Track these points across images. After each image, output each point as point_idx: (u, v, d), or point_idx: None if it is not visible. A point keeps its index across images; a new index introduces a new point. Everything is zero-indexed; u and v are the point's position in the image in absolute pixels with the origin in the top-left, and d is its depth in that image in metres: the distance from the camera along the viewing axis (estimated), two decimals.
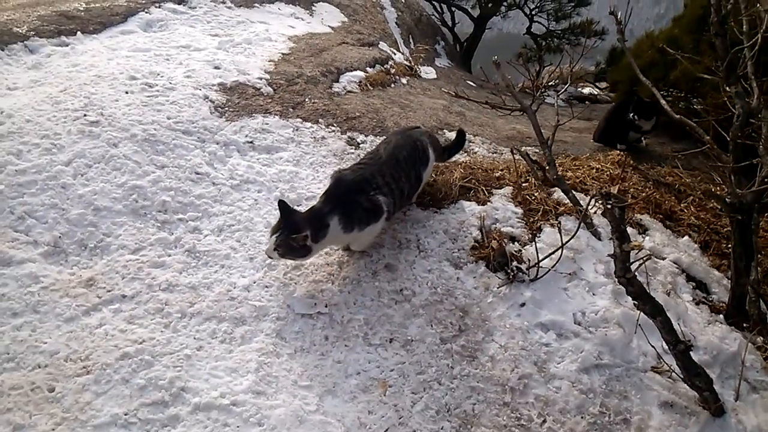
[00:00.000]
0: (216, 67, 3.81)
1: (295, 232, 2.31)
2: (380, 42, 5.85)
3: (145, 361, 2.11)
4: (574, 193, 3.13)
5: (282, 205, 2.39)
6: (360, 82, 4.50)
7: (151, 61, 3.70)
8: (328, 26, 5.61)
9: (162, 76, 3.50)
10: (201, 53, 4.00)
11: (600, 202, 2.79)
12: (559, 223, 2.94)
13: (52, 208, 2.55)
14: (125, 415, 1.96)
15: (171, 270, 2.47)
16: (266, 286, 2.50)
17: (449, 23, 10.05)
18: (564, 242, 2.63)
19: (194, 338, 2.24)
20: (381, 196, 2.56)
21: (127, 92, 3.26)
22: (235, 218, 2.82)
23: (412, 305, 2.53)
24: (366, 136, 3.63)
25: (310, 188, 3.07)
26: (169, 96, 3.32)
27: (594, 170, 3.66)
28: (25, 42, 3.79)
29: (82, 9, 4.31)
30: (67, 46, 3.87)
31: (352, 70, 4.60)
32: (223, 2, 5.05)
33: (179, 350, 2.18)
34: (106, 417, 1.94)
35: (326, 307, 2.45)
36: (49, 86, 3.28)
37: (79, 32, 4.03)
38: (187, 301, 2.37)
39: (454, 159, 3.62)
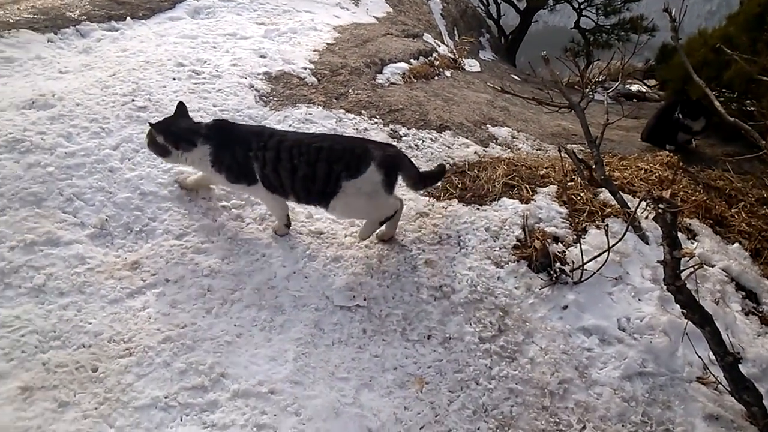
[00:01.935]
0: (262, 56, 3.83)
1: (160, 131, 2.45)
2: (425, 33, 5.80)
3: (187, 346, 2.14)
4: (621, 194, 3.05)
5: (179, 106, 2.55)
6: (403, 74, 4.46)
7: (198, 48, 3.73)
8: (373, 17, 5.58)
9: (209, 64, 3.52)
10: (247, 41, 4.02)
11: (650, 205, 2.71)
12: (606, 225, 2.86)
13: (99, 191, 2.60)
14: (165, 398, 1.98)
15: (214, 256, 2.49)
16: (305, 277, 2.50)
17: (495, 15, 9.91)
18: (611, 245, 2.56)
19: (234, 325, 2.25)
20: (256, 163, 2.46)
21: (174, 79, 3.29)
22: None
23: (452, 302, 2.50)
24: (408, 129, 3.59)
25: None
26: (216, 84, 3.34)
27: (642, 171, 3.56)
28: (76, 26, 3.86)
29: None
30: (116, 31, 3.94)
31: (396, 62, 4.57)
32: None
33: (220, 336, 2.20)
34: (147, 399, 1.97)
35: (365, 300, 2.44)
36: (99, 71, 3.34)
37: (128, 17, 4.09)
38: (229, 288, 2.38)
39: (496, 155, 3.57)
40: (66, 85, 3.13)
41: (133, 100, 3.03)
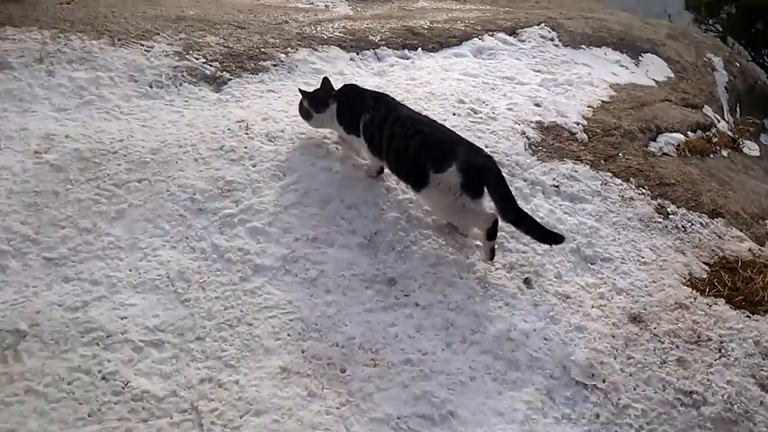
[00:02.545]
0: (536, 104, 3.86)
1: (306, 97, 3.01)
2: (705, 105, 5.36)
3: (425, 374, 2.22)
4: None
5: (324, 81, 3.04)
6: (678, 145, 4.17)
7: (478, 87, 3.89)
8: (653, 79, 5.31)
9: (486, 105, 3.65)
10: (524, 87, 4.09)
11: None
12: None
13: (373, 206, 2.83)
14: (398, 418, 2.08)
15: (461, 293, 2.56)
16: (545, 339, 2.45)
17: None
18: None
19: (470, 367, 2.29)
20: (363, 124, 2.81)
21: (454, 114, 3.47)
22: (527, 259, 2.81)
23: (700, 414, 2.26)
24: (678, 207, 3.35)
25: (608, 249, 2.94)
26: (491, 125, 3.45)
27: None
28: (375, 50, 4.28)
29: (426, 27, 4.72)
30: (408, 59, 4.28)
31: (671, 131, 4.29)
32: (552, 40, 5.09)
33: (455, 373, 2.25)
34: (381, 414, 2.09)
35: (604, 382, 2.32)
36: (391, 94, 3.65)
37: (420, 48, 4.42)
38: (470, 327, 2.43)
39: None
40: None
41: None
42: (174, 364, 2.12)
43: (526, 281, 2.73)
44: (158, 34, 3.79)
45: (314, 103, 3.00)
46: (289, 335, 2.28)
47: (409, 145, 2.65)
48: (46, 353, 2.09)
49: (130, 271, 2.40)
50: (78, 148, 2.90)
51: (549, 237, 2.61)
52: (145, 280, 2.37)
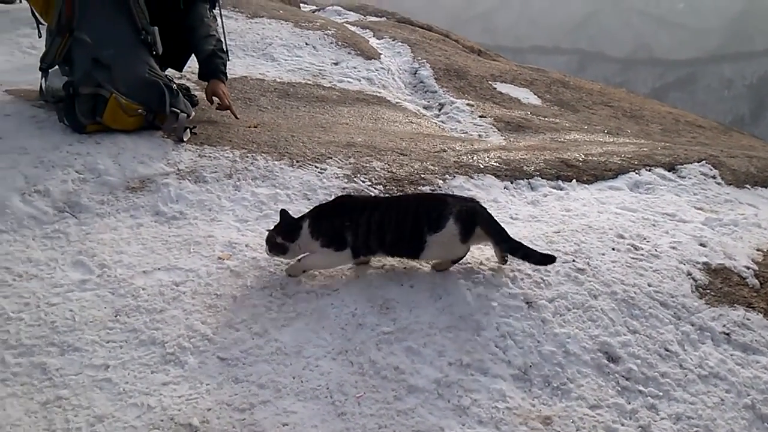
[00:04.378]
0: (701, 245, 3.69)
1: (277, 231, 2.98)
2: None
3: None
4: None
5: (282, 213, 3.05)
6: None
7: (637, 223, 3.81)
8: None
9: (648, 241, 3.55)
10: (686, 225, 3.93)
11: None
12: None
13: (529, 336, 2.79)
14: None
15: None
16: None
17: None
18: None
19: None
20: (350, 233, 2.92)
21: (613, 249, 3.41)
22: (696, 412, 2.59)
23: None
24: None
25: None
26: (653, 263, 3.34)
27: None
28: (528, 180, 4.38)
29: (581, 159, 4.78)
30: (562, 190, 4.32)
31: None
32: (713, 177, 4.92)
33: None
34: None
35: None
36: (545, 224, 3.69)
37: (574, 180, 4.46)
38: None
39: None
40: (516, 231, 3.51)
41: (573, 260, 3.24)
42: None
43: None
44: (331, 158, 4.18)
45: (287, 234, 2.96)
46: None
47: (403, 223, 2.91)
48: None
49: (293, 378, 2.53)
50: (255, 257, 3.19)
51: (545, 259, 2.99)
52: (307, 389, 2.48)
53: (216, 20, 4.79)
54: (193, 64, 4.90)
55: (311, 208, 3.21)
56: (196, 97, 4.98)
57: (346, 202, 3.14)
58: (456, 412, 2.44)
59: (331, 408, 2.41)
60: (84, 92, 3.85)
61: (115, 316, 2.76)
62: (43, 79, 4.18)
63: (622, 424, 2.48)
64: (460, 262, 3.13)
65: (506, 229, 3.00)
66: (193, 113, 4.53)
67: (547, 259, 3.00)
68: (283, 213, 3.07)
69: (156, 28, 4.19)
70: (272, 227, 3.07)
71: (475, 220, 2.95)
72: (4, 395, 2.34)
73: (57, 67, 4.14)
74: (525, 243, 3.03)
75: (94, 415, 2.30)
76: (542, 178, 4.41)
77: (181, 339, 2.66)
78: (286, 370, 2.55)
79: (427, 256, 3.00)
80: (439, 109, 6.83)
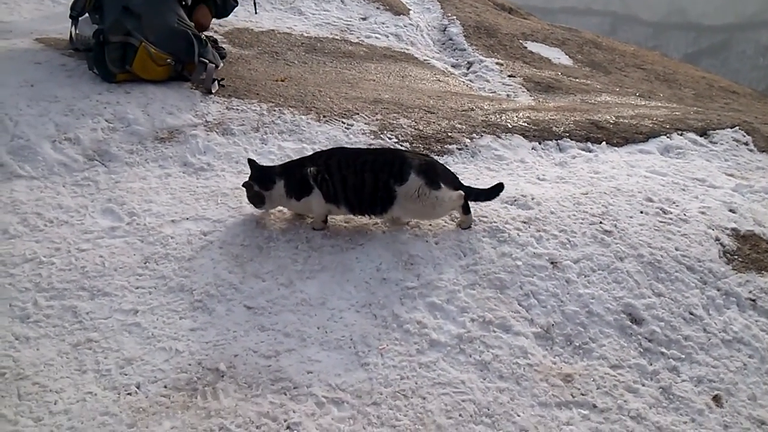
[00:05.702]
0: (731, 210, 3.62)
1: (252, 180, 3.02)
2: None
3: None
4: None
5: (251, 161, 3.11)
6: None
7: (667, 187, 3.75)
8: None
9: (677, 205, 3.50)
10: (716, 191, 3.86)
11: None
12: None
13: (553, 296, 2.80)
14: None
15: (642, 401, 2.42)
16: None
17: None
18: None
19: None
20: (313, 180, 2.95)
21: (641, 212, 3.37)
22: (718, 375, 2.60)
23: None
24: None
25: None
26: (681, 227, 3.29)
27: None
28: (557, 141, 4.32)
29: (611, 122, 4.68)
30: (591, 152, 4.26)
31: None
32: (746, 144, 4.80)
33: None
34: None
35: None
36: (572, 186, 3.65)
37: (604, 142, 4.38)
38: None
39: None
40: (543, 192, 3.50)
41: (600, 222, 3.21)
42: (352, 424, 2.20)
43: (716, 399, 2.51)
44: (358, 114, 4.15)
45: (263, 183, 3.00)
46: (461, 416, 2.28)
47: (365, 176, 2.90)
48: (239, 395, 2.27)
49: (318, 328, 2.57)
50: (281, 209, 3.21)
51: (492, 192, 3.10)
52: (331, 339, 2.52)
53: None
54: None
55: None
56: (224, 49, 4.95)
57: (314, 154, 3.17)
58: (477, 366, 2.47)
59: (354, 358, 2.45)
60: (113, 40, 3.85)
61: (145, 263, 2.82)
62: (73, 27, 4.18)
63: (643, 384, 2.49)
64: (485, 220, 3.12)
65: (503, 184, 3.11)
66: (222, 64, 4.51)
67: (496, 192, 3.10)
68: (252, 162, 3.13)
69: None
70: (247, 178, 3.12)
71: (437, 171, 2.95)
72: (37, 336, 2.42)
73: (87, 15, 4.13)
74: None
75: (123, 358, 2.37)
76: (571, 140, 4.35)
77: (209, 287, 2.71)
78: (311, 321, 2.59)
79: (402, 209, 2.94)
80: (468, 68, 6.71)
